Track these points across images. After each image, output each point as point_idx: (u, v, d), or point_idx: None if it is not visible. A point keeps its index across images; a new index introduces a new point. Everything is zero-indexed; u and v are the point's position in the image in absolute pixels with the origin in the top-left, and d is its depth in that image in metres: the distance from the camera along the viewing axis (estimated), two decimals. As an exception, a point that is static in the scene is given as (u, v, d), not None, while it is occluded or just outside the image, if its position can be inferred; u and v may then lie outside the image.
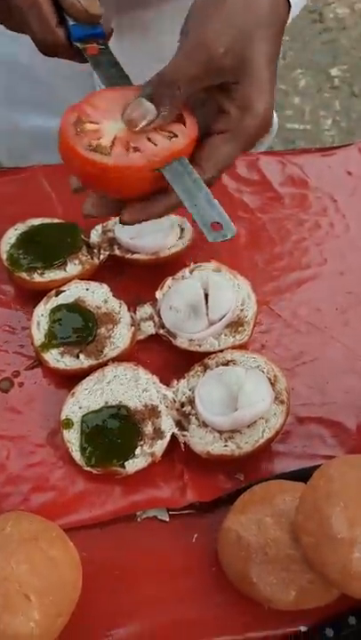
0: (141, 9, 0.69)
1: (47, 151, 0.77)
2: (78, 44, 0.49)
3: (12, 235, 0.65)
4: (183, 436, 0.55)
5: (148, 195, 0.45)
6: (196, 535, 0.52)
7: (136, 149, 0.43)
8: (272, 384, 0.56)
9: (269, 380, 0.56)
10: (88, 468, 0.54)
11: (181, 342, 0.60)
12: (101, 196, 0.47)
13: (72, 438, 0.55)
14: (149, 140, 0.44)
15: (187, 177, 0.43)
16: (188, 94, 0.43)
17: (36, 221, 0.67)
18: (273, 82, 0.44)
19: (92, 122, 0.45)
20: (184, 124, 0.44)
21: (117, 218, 0.68)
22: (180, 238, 0.67)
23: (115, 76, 0.48)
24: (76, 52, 0.49)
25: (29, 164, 0.74)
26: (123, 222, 0.47)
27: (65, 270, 0.63)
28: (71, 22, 0.48)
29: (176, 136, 0.44)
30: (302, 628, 0.49)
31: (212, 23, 0.42)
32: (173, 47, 0.45)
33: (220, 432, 0.55)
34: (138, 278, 0.66)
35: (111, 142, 0.43)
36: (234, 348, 0.60)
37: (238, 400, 0.54)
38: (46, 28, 0.47)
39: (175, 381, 0.58)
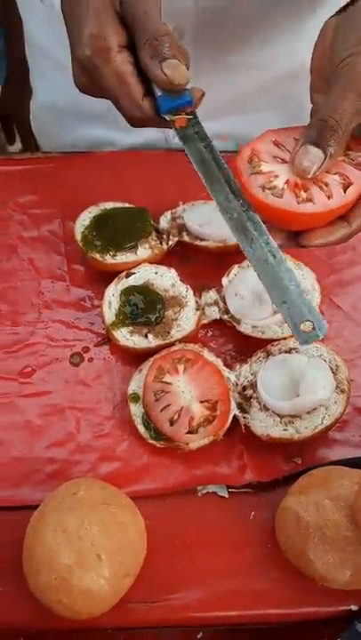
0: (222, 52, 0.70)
1: None
2: (167, 117, 0.48)
3: (86, 217, 0.68)
4: (244, 418, 0.58)
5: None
6: (253, 513, 0.55)
7: (309, 199, 0.44)
8: (334, 373, 0.58)
9: (331, 369, 0.58)
10: (152, 441, 0.57)
11: (245, 328, 0.62)
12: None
13: (138, 412, 0.58)
14: (324, 185, 0.44)
15: (277, 268, 0.44)
16: (350, 131, 0.43)
17: (109, 205, 0.69)
18: None
19: (265, 162, 0.46)
20: (359, 166, 0.45)
21: (185, 204, 0.71)
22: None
23: (203, 150, 0.48)
24: (164, 121, 0.49)
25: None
26: (301, 246, 0.47)
27: (136, 254, 0.66)
28: (159, 93, 0.47)
29: (351, 184, 0.44)
30: (353, 607, 0.51)
31: (359, 57, 0.42)
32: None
33: (281, 416, 0.57)
34: (204, 264, 0.68)
35: (284, 184, 0.45)
36: (296, 336, 0.61)
37: (300, 387, 0.56)
38: (133, 104, 0.47)
39: (238, 365, 0.60)
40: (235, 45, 0.70)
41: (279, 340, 0.61)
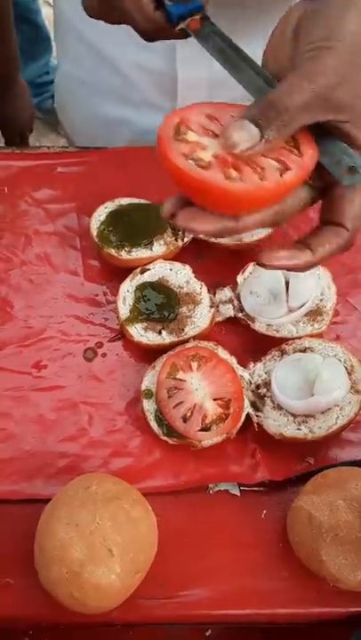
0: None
1: (118, 141, 0.81)
2: (180, 24, 0.49)
3: (102, 212, 0.68)
4: (257, 416, 0.57)
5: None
6: (265, 511, 0.55)
7: (238, 178, 0.38)
8: (349, 373, 0.57)
9: (346, 369, 0.58)
10: (164, 438, 0.57)
11: (260, 326, 0.62)
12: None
13: (151, 408, 0.58)
14: (257, 167, 0.39)
15: None
16: (298, 123, 0.39)
17: (124, 201, 0.69)
18: None
19: (194, 132, 0.41)
20: (301, 155, 0.40)
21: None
22: (262, 226, 0.68)
23: (221, 43, 0.47)
24: (177, 32, 0.49)
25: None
26: (260, 263, 0.43)
27: (151, 250, 0.66)
28: (168, 2, 0.48)
29: (289, 169, 0.39)
30: (364, 610, 0.50)
31: (329, 53, 0.39)
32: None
33: (294, 416, 0.57)
34: (218, 262, 0.68)
35: (212, 157, 0.39)
36: (311, 336, 0.61)
37: (315, 386, 0.56)
38: (145, 16, 0.49)
39: (252, 363, 0.60)
40: (248, 35, 0.69)
41: (294, 338, 0.61)
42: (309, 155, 0.40)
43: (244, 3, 0.67)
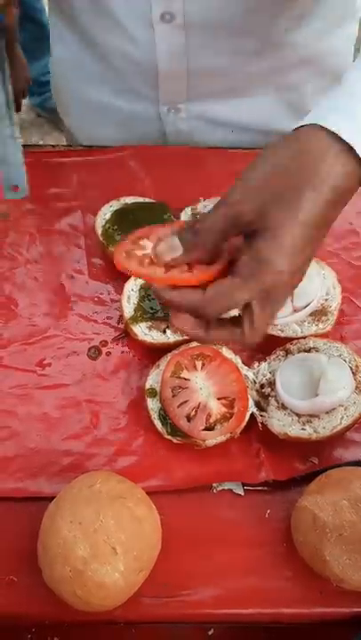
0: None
1: (111, 127, 0.81)
2: None
3: (107, 211, 0.68)
4: (261, 416, 0.57)
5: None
6: (268, 511, 0.55)
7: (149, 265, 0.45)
8: (353, 373, 0.57)
9: (351, 369, 0.58)
10: (168, 437, 0.57)
11: (264, 326, 0.62)
12: None
13: (155, 407, 0.58)
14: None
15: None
16: (213, 243, 0.44)
17: (129, 200, 0.69)
18: (302, 247, 0.43)
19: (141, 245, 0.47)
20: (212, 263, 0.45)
21: (206, 200, 0.71)
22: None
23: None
24: None
25: (106, 144, 0.78)
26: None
27: (156, 248, 0.66)
28: None
29: (190, 271, 0.45)
30: (368, 610, 0.50)
31: (240, 186, 0.43)
32: None
33: (299, 415, 0.57)
34: (224, 261, 0.68)
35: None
36: (316, 336, 0.61)
37: (319, 386, 0.56)
38: None
39: (256, 363, 0.60)
40: (225, 32, 0.70)
41: (298, 338, 0.61)
42: (215, 267, 0.45)
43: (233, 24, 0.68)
